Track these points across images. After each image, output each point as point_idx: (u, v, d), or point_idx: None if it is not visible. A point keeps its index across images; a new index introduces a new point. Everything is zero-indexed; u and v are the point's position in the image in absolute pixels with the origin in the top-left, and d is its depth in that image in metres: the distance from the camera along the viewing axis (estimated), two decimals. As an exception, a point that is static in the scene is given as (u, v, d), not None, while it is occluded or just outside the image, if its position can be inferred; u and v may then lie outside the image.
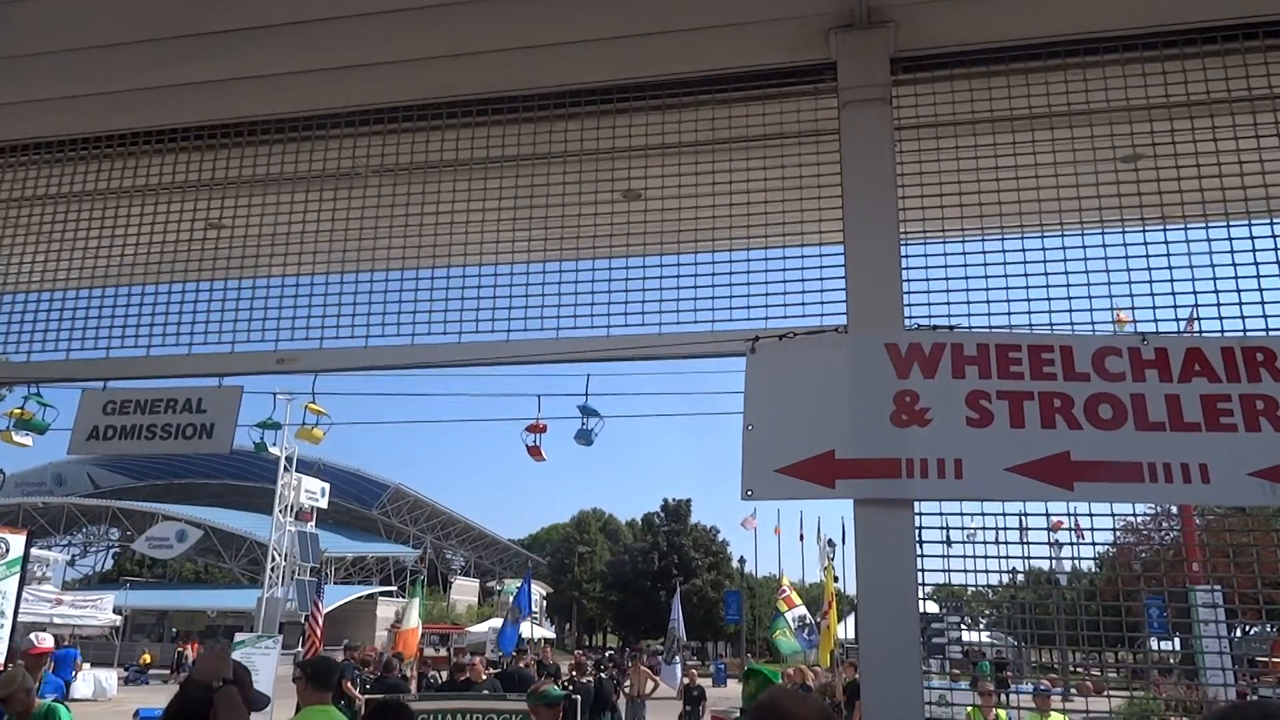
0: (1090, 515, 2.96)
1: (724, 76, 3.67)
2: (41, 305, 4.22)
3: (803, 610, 24.38)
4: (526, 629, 29.50)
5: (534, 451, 15.76)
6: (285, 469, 35.54)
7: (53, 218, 4.36)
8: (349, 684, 12.85)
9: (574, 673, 15.57)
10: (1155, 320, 3.09)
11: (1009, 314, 3.18)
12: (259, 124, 4.12)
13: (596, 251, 3.70)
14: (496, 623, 43.04)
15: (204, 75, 3.84)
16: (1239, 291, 3.09)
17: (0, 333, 4.22)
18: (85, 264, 4.22)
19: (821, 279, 3.38)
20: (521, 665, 14.75)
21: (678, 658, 26.28)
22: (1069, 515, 3.01)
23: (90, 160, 4.34)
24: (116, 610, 40.09)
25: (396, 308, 3.77)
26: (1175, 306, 3.12)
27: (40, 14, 3.53)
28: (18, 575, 18.21)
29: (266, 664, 18.28)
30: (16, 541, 18.50)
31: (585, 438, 13.68)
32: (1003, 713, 8.24)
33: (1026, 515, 2.96)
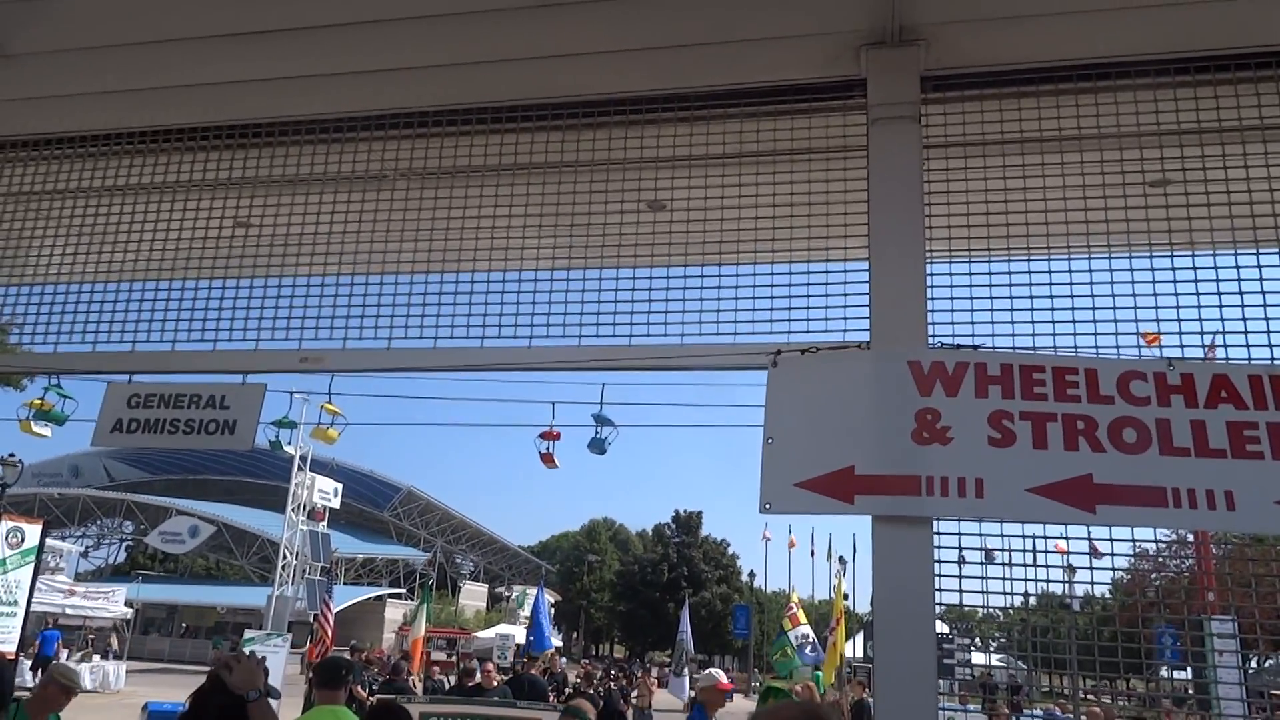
0: (1110, 540, 2.94)
1: (753, 90, 3.68)
2: (70, 298, 4.27)
3: (807, 629, 24.29)
4: (556, 639, 29.50)
5: (547, 458, 15.76)
6: (299, 468, 35.71)
7: (84, 211, 4.41)
8: (358, 688, 12.85)
9: (581, 682, 15.53)
10: (1181, 346, 3.08)
11: (1033, 335, 3.17)
12: (290, 124, 4.16)
13: (620, 261, 3.71)
14: (504, 628, 43.04)
15: (237, 75, 3.89)
16: (1267, 319, 3.07)
17: (29, 324, 4.27)
18: (114, 258, 4.27)
19: (845, 295, 3.38)
20: (532, 672, 14.72)
21: (686, 670, 26.15)
22: (1087, 539, 2.99)
23: (122, 155, 4.39)
24: (128, 603, 40.27)
25: (420, 311, 3.79)
26: (1202, 333, 3.10)
27: (76, 10, 3.59)
28: (32, 564, 18.39)
29: (275, 662, 18.34)
30: (32, 531, 18.68)
31: (599, 446, 13.67)
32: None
33: (1047, 538, 2.93)
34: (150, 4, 3.51)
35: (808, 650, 23.10)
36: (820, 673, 20.73)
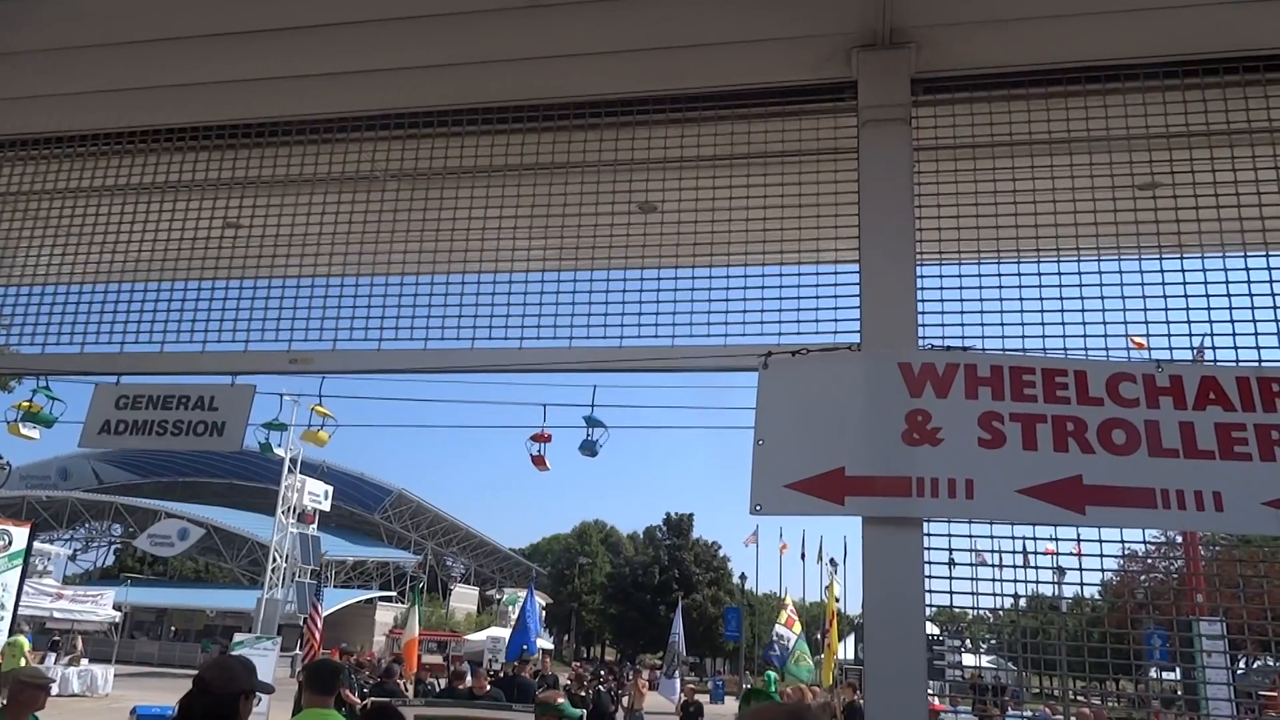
0: (1100, 541, 2.95)
1: (744, 92, 3.69)
2: (58, 299, 4.24)
3: (782, 629, 24.26)
4: (542, 641, 29.39)
5: (538, 461, 15.74)
6: (289, 470, 35.59)
7: (72, 212, 4.39)
8: (348, 690, 12.81)
9: (572, 684, 15.52)
10: (1170, 349, 3.09)
11: (1023, 337, 3.18)
12: (280, 125, 4.15)
13: (611, 262, 3.71)
14: (495, 631, 42.96)
15: (227, 75, 3.87)
16: (1255, 322, 3.09)
17: (16, 325, 4.25)
18: (103, 259, 4.25)
19: (836, 296, 3.39)
20: (523, 675, 14.70)
21: (677, 672, 26.14)
22: (1076, 541, 3.00)
23: (112, 156, 4.37)
24: (116, 606, 40.07)
25: (410, 312, 3.78)
26: (1190, 335, 3.11)
27: (63, 10, 3.57)
28: (19, 568, 18.26)
29: (264, 665, 18.28)
30: (20, 534, 18.55)
31: (590, 448, 13.65)
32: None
33: (1036, 539, 2.94)
34: (138, 4, 3.50)
35: (772, 651, 23.11)
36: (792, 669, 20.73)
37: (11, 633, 23.97)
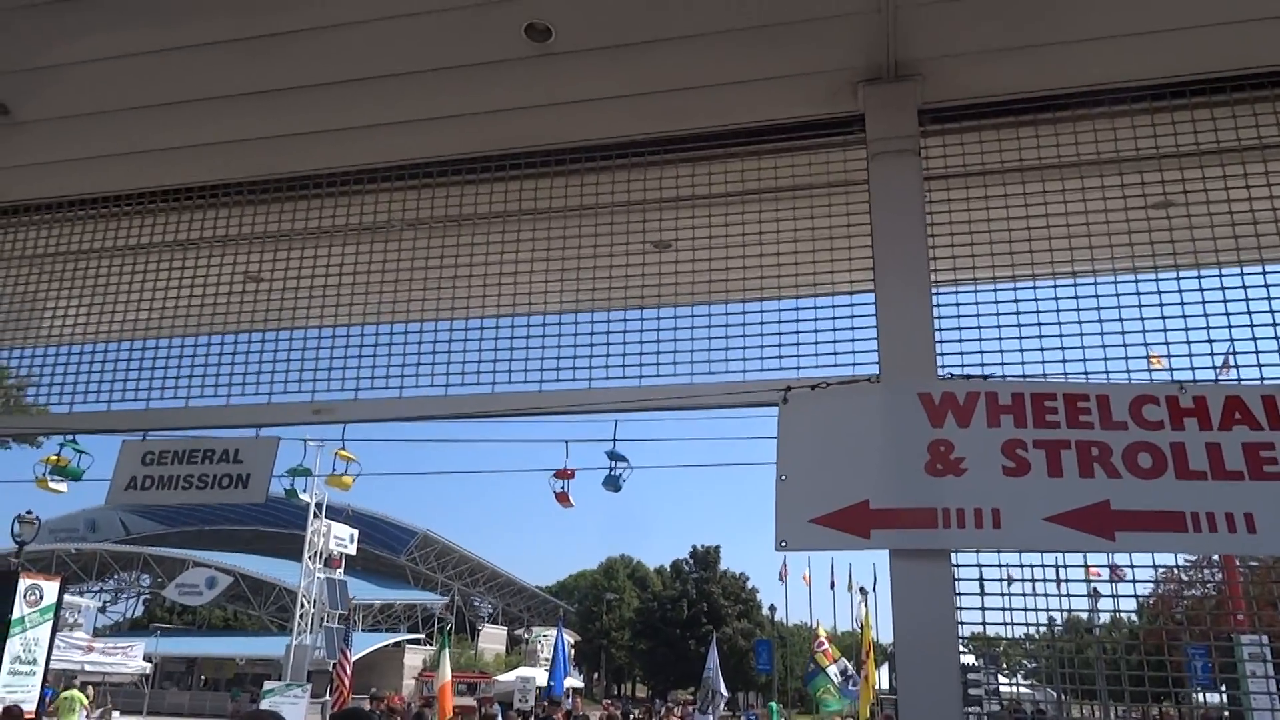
0: (1131, 566, 2.91)
1: (754, 129, 3.72)
2: (84, 357, 4.31)
3: (845, 662, 24.01)
4: (569, 680, 29.13)
5: (562, 498, 15.71)
6: (315, 515, 35.68)
7: (96, 272, 4.47)
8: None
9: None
10: (1192, 368, 3.06)
11: (1043, 361, 3.17)
12: (299, 179, 4.22)
13: (628, 302, 3.73)
14: (524, 671, 42.62)
15: (243, 134, 3.95)
16: (1278, 337, 3.06)
17: (44, 384, 4.31)
18: (127, 317, 4.31)
19: (853, 328, 3.39)
20: (556, 717, 14.57)
21: (711, 708, 25.72)
22: (1108, 567, 2.97)
23: (133, 215, 4.45)
24: (146, 657, 40.10)
25: (430, 358, 3.81)
26: (1211, 354, 3.09)
27: (83, 77, 3.66)
28: (50, 622, 18.31)
29: (294, 712, 18.22)
30: (50, 589, 18.61)
31: (613, 483, 13.62)
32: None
33: (1066, 566, 2.91)
34: (156, 68, 3.58)
35: (850, 686, 22.83)
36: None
37: (67, 687, 24.05)
